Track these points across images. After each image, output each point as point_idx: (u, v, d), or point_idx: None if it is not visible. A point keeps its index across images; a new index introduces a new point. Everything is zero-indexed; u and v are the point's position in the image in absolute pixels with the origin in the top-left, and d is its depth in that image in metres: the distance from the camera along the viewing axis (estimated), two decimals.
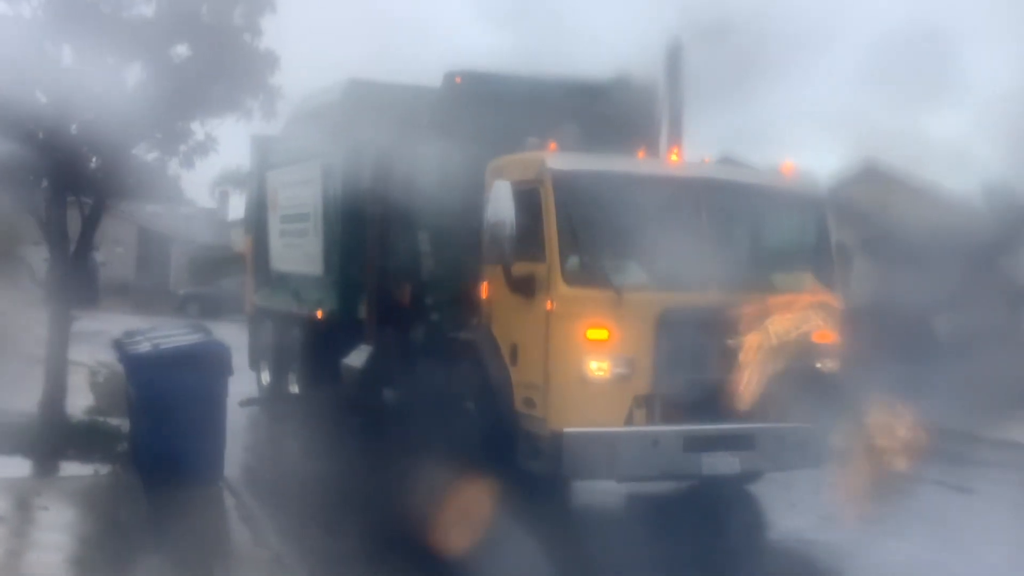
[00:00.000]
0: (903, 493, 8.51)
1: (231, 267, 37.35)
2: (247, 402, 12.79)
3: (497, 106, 9.39)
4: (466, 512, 7.52)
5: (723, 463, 8.30)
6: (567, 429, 7.93)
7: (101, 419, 10.85)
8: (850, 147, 8.64)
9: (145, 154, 10.52)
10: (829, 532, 8.67)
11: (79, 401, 11.59)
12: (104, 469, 9.13)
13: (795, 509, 9.28)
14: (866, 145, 9.01)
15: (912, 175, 15.06)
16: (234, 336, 12.35)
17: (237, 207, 53.01)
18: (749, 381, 8.03)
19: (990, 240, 15.74)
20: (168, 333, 10.22)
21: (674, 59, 9.07)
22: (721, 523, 8.87)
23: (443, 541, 7.18)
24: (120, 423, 10.46)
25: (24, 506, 8.09)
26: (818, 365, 8.41)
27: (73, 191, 10.59)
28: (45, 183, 10.48)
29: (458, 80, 9.78)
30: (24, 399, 10.58)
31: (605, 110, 9.57)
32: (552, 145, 8.62)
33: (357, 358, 10.95)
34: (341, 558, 7.61)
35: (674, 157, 9.12)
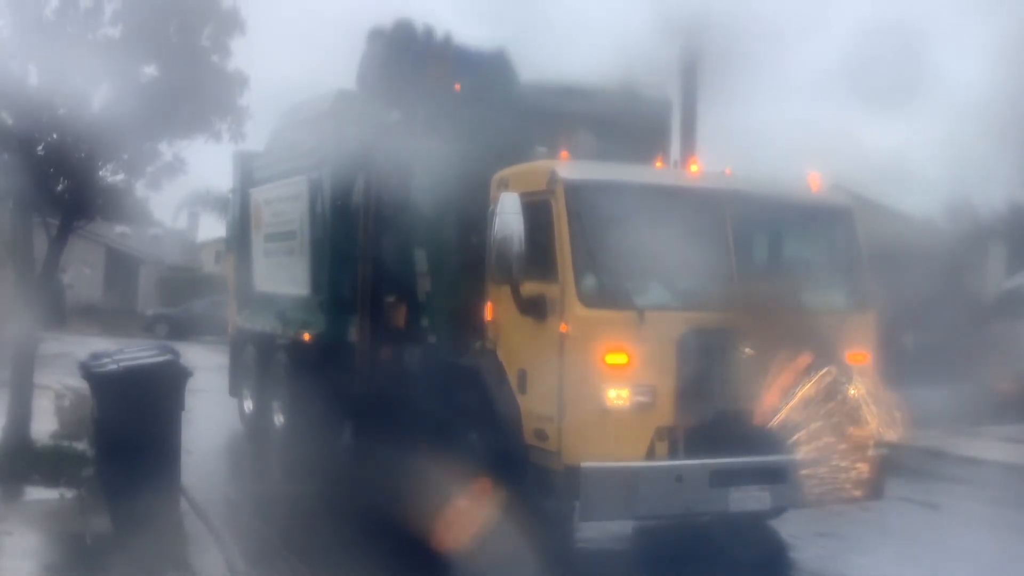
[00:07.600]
0: (870, 510, 8.52)
1: (200, 288, 37.26)
2: None
3: (500, 114, 8.88)
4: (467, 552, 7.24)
5: (752, 499, 7.70)
6: (584, 464, 7.30)
7: (67, 443, 10.72)
8: (813, 163, 8.48)
9: (112, 175, 10.46)
10: (796, 551, 8.71)
11: (45, 425, 11.44)
12: (70, 493, 9.02)
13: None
14: (829, 162, 8.97)
15: (872, 192, 15.26)
16: (202, 357, 12.26)
17: (206, 228, 53.12)
18: (779, 414, 7.47)
19: (954, 258, 15.97)
20: (134, 355, 10.11)
21: (689, 67, 8.53)
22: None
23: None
24: (85, 448, 10.34)
25: None
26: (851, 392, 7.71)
27: (39, 212, 10.51)
28: (10, 203, 10.40)
29: (457, 87, 9.26)
30: None
31: (613, 119, 9.03)
32: (563, 154, 8.11)
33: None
34: None
35: (694, 168, 8.67)
